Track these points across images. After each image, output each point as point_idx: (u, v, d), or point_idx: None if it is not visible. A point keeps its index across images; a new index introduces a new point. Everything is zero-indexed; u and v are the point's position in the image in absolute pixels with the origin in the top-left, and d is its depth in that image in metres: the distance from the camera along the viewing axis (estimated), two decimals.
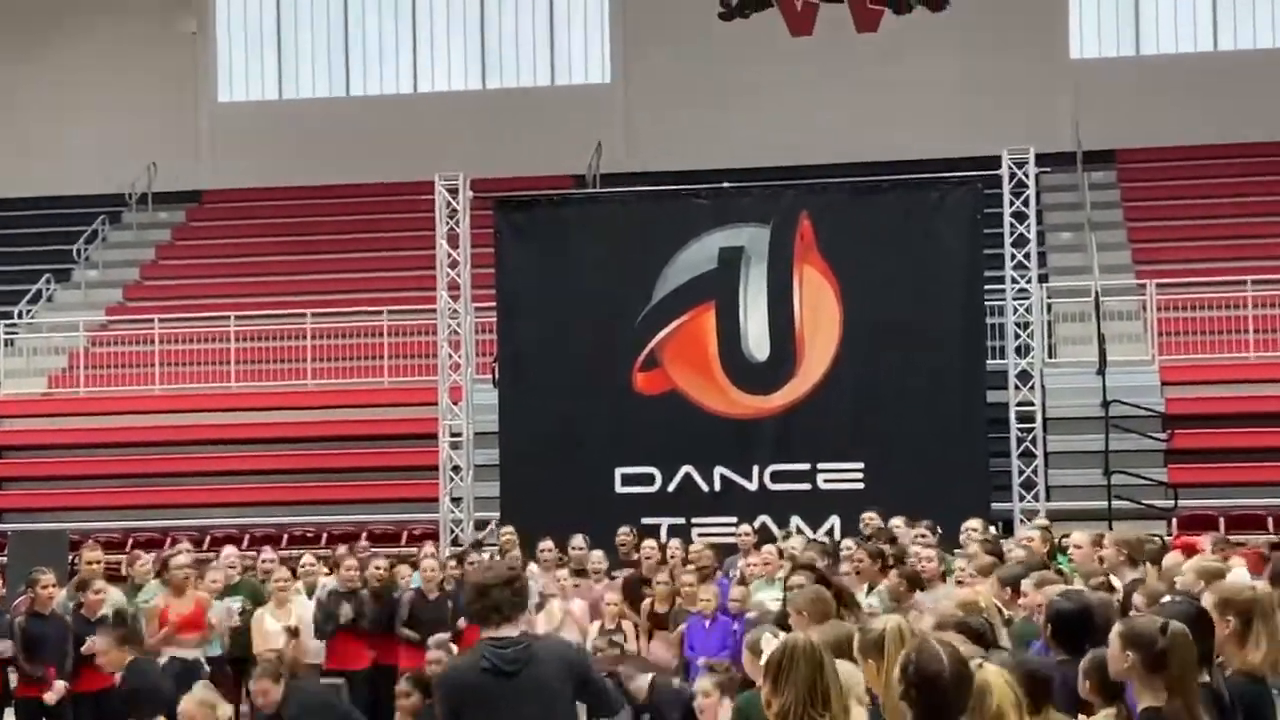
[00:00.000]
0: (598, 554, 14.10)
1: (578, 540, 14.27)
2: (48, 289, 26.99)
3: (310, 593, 12.75)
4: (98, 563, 12.56)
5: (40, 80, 29.69)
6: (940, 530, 13.30)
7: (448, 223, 19.17)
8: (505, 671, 5.86)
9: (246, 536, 19.43)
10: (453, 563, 13.54)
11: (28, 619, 11.40)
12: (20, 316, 25.90)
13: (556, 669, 5.98)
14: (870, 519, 13.84)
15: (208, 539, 20.02)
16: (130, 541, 20.11)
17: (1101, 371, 20.33)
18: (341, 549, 14.30)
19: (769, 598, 11.11)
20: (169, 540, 19.39)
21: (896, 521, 14.11)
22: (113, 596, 12.18)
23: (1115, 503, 18.70)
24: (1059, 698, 5.67)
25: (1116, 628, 5.36)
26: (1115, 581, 8.92)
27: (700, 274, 18.06)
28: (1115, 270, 23.52)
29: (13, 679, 11.27)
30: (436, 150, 25.62)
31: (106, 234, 28.69)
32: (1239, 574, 7.40)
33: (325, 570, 13.32)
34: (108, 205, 28.78)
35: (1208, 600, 5.94)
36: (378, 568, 13.11)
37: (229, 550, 14.03)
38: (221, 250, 27.84)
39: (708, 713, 8.24)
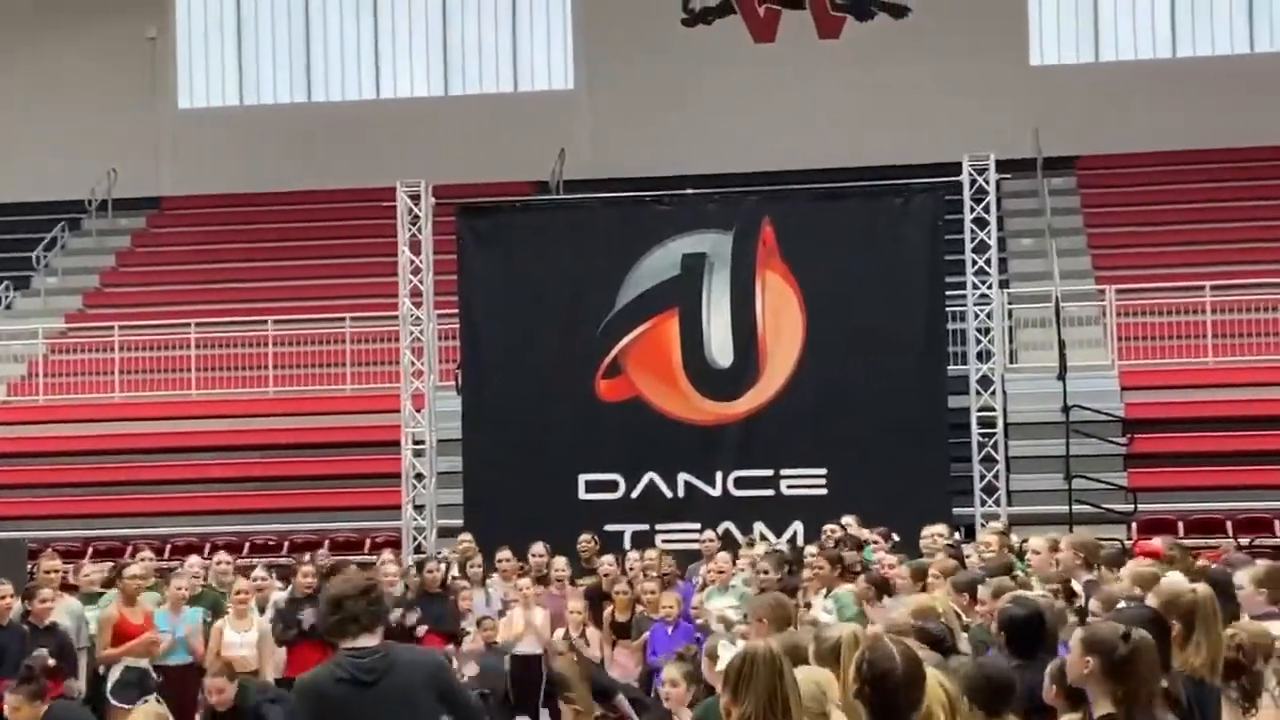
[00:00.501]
0: (561, 560, 14.07)
1: (538, 548, 14.24)
2: (7, 296, 26.81)
3: (261, 608, 12.56)
4: (56, 572, 12.47)
5: None
6: (897, 537, 13.34)
7: (410, 229, 19.13)
8: (363, 681, 5.90)
9: (207, 545, 19.28)
10: (413, 571, 13.49)
11: None
12: None
13: (418, 679, 6.01)
14: (833, 531, 13.87)
15: (168, 547, 19.92)
16: (90, 550, 19.98)
17: (1062, 377, 20.44)
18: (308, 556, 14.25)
19: (722, 605, 11.12)
20: (129, 549, 19.24)
21: (849, 519, 14.13)
22: (69, 605, 12.09)
23: (1076, 507, 18.79)
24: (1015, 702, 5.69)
25: (1078, 633, 5.39)
26: (1076, 586, 8.96)
27: (663, 280, 18.09)
28: (1075, 276, 23.65)
29: None
30: (399, 156, 25.57)
31: (66, 241, 28.50)
32: (1174, 577, 7.46)
33: (279, 584, 13.22)
34: (67, 212, 28.60)
35: (1150, 604, 6.00)
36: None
37: (193, 560, 13.91)
38: (182, 257, 27.70)
39: (674, 701, 8.18)
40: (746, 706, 4.50)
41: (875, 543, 12.99)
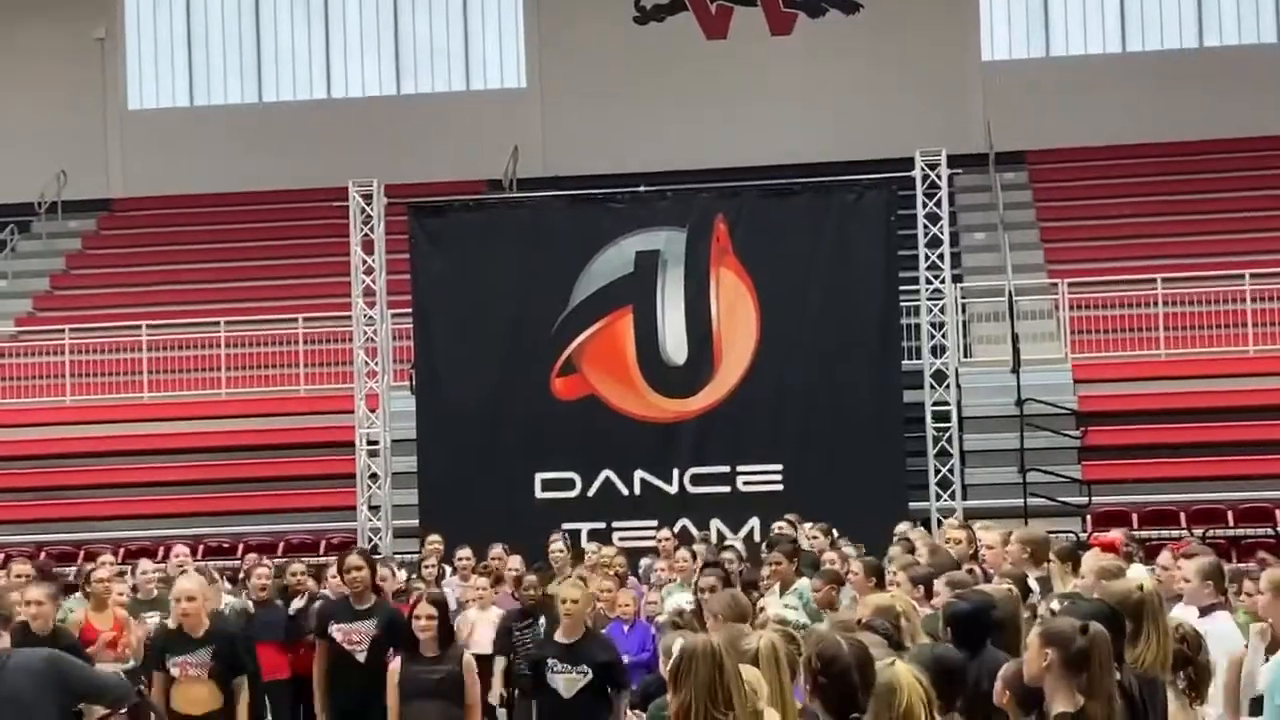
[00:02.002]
0: (517, 560, 13.99)
1: (496, 549, 14.17)
2: None
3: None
4: (25, 576, 12.29)
5: None
6: (836, 532, 13.38)
7: (362, 229, 19.04)
8: None
9: (162, 548, 19.12)
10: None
11: None
12: None
13: (31, 680, 6.27)
14: (782, 529, 13.88)
15: (122, 551, 19.72)
16: (43, 555, 19.78)
17: (1016, 370, 20.54)
18: (251, 557, 14.10)
19: (683, 600, 11.07)
20: (82, 553, 19.10)
21: (791, 517, 14.16)
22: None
23: (1030, 500, 18.89)
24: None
25: (1035, 628, 5.40)
26: (1031, 581, 8.98)
27: (617, 278, 18.07)
28: (1028, 270, 23.77)
29: None
30: (351, 156, 25.44)
31: (15, 243, 28.24)
32: (1136, 570, 7.53)
33: (228, 588, 13.09)
34: (16, 214, 28.32)
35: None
36: (294, 574, 12.93)
37: (145, 564, 13.67)
38: (133, 259, 27.49)
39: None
40: (686, 697, 4.53)
41: (814, 539, 13.02)
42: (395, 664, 9.11)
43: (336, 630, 10.02)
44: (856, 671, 4.65)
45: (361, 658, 9.91)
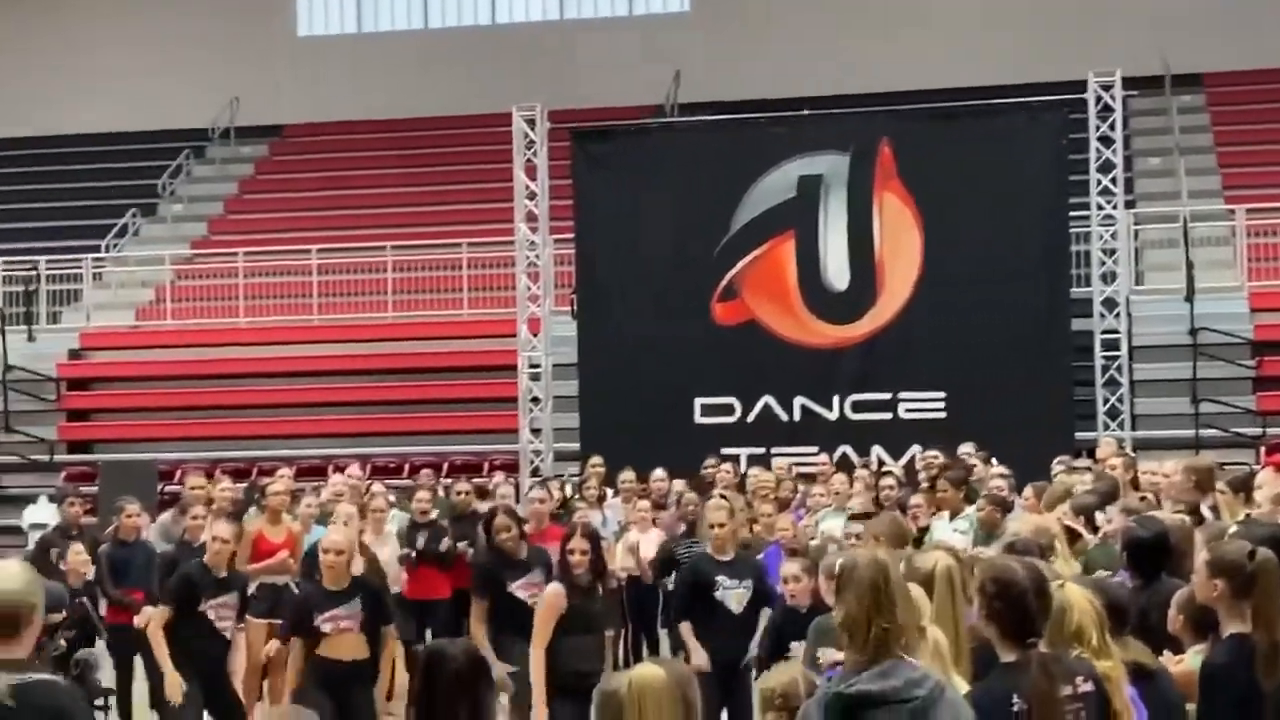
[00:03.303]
0: (679, 483, 14.02)
1: (659, 473, 14.22)
2: (134, 223, 27.28)
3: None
4: (200, 488, 12.70)
5: (123, 16, 29.95)
6: (995, 460, 13.20)
7: (526, 154, 19.15)
8: None
9: (330, 466, 19.57)
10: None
11: (112, 546, 11.60)
12: (107, 250, 26.21)
13: None
14: (933, 458, 13.72)
15: (293, 469, 20.20)
16: (218, 472, 20.38)
17: (1189, 298, 20.01)
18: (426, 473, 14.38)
19: (837, 526, 11.05)
20: (255, 470, 19.64)
21: (967, 448, 14.03)
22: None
23: (1202, 431, 18.47)
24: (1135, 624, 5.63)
25: (1203, 555, 5.34)
26: (1205, 510, 8.78)
27: (779, 203, 17.96)
28: (1204, 195, 23.08)
29: (103, 607, 11.44)
30: (514, 81, 25.57)
31: (190, 168, 28.93)
32: None
33: (391, 498, 13.28)
34: (191, 140, 29.02)
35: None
36: (459, 493, 13.08)
37: (336, 478, 13.82)
38: (303, 184, 28.00)
39: (800, 597, 8.22)
40: (850, 605, 4.49)
41: (973, 466, 12.89)
42: (555, 592, 8.76)
43: (518, 588, 9.84)
44: (1034, 595, 4.61)
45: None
